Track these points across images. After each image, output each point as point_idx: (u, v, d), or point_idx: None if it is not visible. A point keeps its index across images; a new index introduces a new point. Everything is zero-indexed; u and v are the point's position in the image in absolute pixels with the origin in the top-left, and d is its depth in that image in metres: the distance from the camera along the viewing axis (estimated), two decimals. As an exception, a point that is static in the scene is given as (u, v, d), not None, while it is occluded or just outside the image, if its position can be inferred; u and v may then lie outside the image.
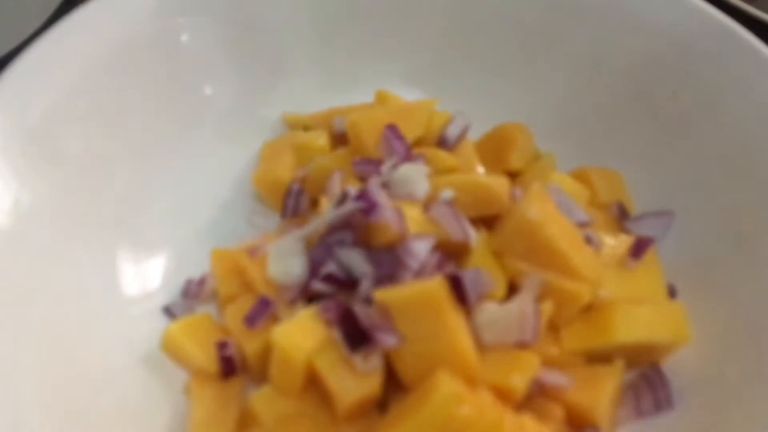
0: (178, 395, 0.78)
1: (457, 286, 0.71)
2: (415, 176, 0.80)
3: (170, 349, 0.79)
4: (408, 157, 0.84)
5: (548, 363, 0.74)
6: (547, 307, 0.73)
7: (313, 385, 0.73)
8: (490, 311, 0.72)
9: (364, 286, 0.73)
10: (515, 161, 0.92)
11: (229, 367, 0.78)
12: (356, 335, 0.69)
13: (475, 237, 0.76)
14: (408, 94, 0.99)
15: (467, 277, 0.71)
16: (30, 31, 1.05)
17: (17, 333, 0.70)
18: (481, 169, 0.90)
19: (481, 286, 0.72)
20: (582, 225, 0.80)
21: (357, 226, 0.77)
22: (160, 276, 0.87)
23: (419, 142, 0.90)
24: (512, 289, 0.75)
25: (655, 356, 0.79)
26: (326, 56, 1.01)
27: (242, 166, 0.97)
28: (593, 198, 0.89)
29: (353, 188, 0.78)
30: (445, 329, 0.68)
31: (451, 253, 0.76)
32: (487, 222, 0.79)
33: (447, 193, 0.79)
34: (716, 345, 0.78)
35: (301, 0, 0.98)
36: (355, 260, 0.75)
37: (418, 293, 0.69)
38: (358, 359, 0.69)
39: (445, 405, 0.64)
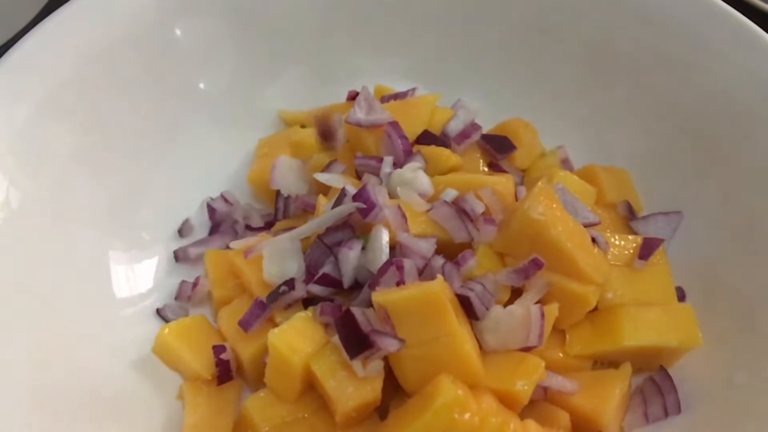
0: (171, 400, 0.76)
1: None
2: (417, 176, 0.78)
3: (163, 352, 0.77)
4: (409, 155, 0.82)
5: (553, 367, 0.73)
6: (553, 310, 0.71)
7: (311, 390, 0.72)
8: (493, 314, 0.70)
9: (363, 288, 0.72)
10: (520, 159, 0.90)
11: (225, 371, 0.76)
12: (356, 339, 0.67)
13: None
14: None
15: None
16: (19, 26, 1.04)
17: (5, 335, 0.68)
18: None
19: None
20: (589, 225, 0.77)
21: (356, 225, 0.75)
22: (153, 277, 0.85)
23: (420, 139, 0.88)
24: (516, 292, 0.73)
25: (663, 360, 0.77)
26: (324, 50, 0.99)
27: (237, 163, 0.95)
28: (600, 197, 0.87)
29: (351, 187, 0.76)
30: (447, 333, 0.66)
31: (452, 253, 0.74)
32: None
33: (449, 193, 0.77)
34: (725, 349, 0.76)
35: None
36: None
37: (419, 295, 0.67)
38: (357, 364, 0.67)
39: (446, 411, 0.62)
